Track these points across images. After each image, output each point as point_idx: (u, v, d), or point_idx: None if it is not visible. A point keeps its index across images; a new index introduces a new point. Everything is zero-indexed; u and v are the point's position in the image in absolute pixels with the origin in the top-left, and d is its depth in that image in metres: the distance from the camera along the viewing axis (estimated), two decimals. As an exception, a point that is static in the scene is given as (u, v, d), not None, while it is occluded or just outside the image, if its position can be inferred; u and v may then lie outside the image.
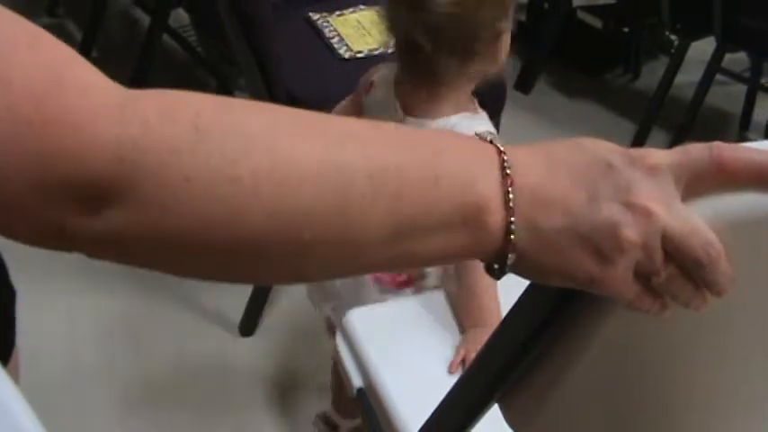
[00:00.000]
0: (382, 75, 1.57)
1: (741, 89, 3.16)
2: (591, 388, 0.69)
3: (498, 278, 0.58)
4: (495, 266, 0.57)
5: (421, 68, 1.46)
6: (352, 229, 0.54)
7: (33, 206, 0.50)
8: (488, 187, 0.55)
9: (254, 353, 2.19)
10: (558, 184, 0.56)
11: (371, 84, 1.58)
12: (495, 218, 0.55)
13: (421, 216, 0.55)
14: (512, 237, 0.55)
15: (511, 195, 0.55)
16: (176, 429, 2.01)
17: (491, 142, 0.58)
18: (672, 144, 0.65)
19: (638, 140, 3.01)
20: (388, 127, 0.59)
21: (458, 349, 1.40)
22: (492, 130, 1.52)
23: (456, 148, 0.58)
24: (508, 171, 0.56)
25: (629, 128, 3.09)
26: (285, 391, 2.11)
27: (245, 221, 0.52)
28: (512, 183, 0.55)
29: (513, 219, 0.55)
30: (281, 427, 2.03)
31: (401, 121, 1.49)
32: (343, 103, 1.68)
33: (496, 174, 0.56)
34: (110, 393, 2.06)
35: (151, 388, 2.09)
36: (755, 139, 0.55)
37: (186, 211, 0.51)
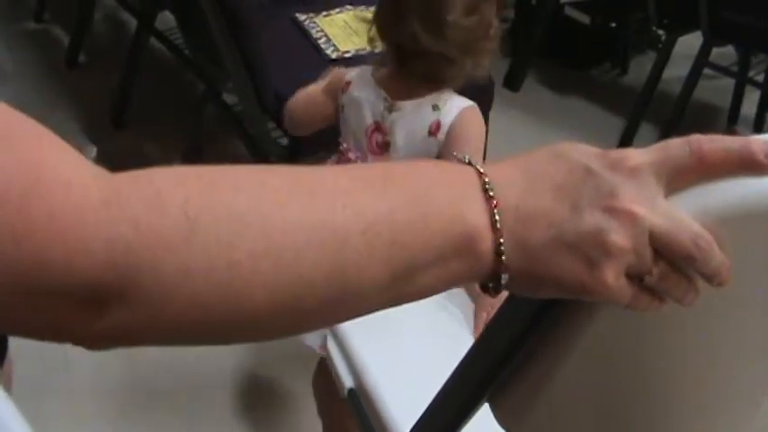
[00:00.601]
0: (356, 75, 1.62)
1: (729, 83, 3.17)
2: (581, 386, 0.69)
3: (494, 296, 0.59)
4: (491, 285, 0.58)
5: (428, 70, 1.53)
6: (352, 285, 0.54)
7: (27, 310, 0.48)
8: (475, 215, 0.56)
9: (246, 353, 2.19)
10: (540, 196, 0.56)
11: (348, 83, 1.62)
12: (486, 243, 0.56)
13: (415, 256, 0.55)
14: (503, 258, 0.56)
15: (497, 217, 0.55)
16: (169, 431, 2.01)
17: (470, 163, 0.58)
18: (660, 139, 0.65)
19: (627, 135, 3.01)
20: (371, 171, 0.59)
21: (476, 313, 1.41)
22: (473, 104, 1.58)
23: (438, 178, 0.58)
24: (491, 193, 0.56)
25: (617, 123, 3.09)
26: (278, 388, 2.11)
27: (246, 301, 0.51)
28: (496, 204, 0.56)
29: (501, 240, 0.55)
30: (275, 424, 2.03)
31: (392, 107, 1.55)
32: (305, 93, 1.71)
33: (480, 198, 0.56)
34: (100, 397, 2.06)
35: (142, 391, 2.08)
36: (744, 133, 0.55)
37: (187, 301, 0.50)
